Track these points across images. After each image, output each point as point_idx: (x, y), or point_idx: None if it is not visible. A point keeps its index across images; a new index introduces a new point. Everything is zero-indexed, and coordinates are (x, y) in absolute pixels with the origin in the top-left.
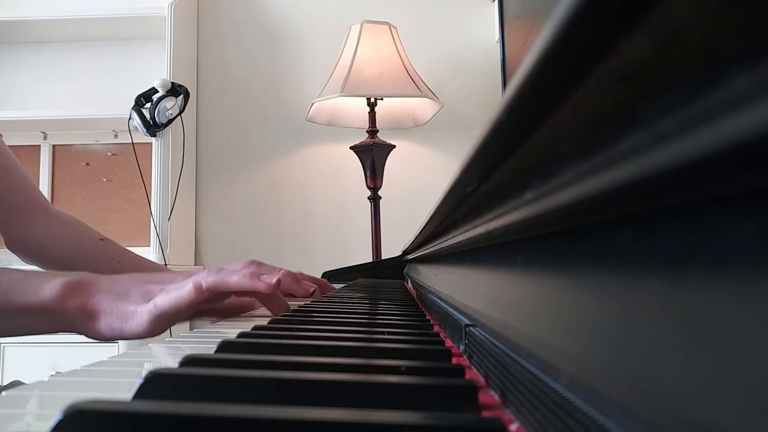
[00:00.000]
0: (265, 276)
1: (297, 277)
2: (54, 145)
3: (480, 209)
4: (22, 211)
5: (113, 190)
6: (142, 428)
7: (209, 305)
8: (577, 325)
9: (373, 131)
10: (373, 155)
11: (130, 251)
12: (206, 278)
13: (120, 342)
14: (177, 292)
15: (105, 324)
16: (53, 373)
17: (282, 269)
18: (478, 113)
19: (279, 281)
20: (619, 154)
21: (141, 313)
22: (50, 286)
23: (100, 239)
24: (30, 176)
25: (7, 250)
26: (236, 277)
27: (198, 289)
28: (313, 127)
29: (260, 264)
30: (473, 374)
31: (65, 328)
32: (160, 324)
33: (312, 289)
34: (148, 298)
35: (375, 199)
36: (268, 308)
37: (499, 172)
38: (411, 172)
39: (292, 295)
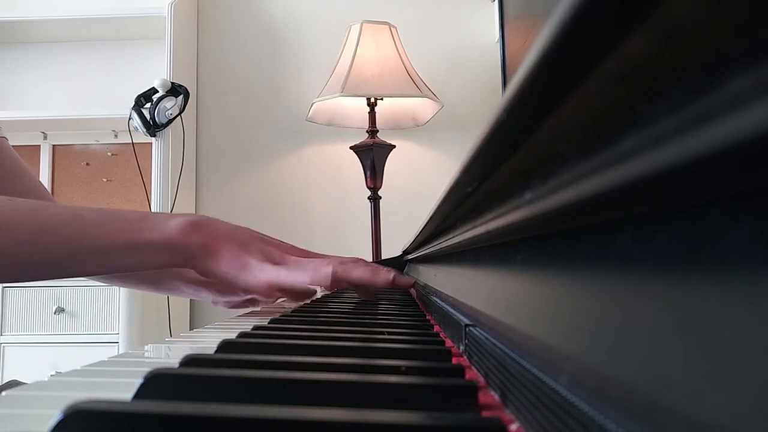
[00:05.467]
0: (383, 272)
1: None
2: (54, 145)
3: (480, 209)
4: None
5: (113, 190)
6: (142, 428)
7: (235, 296)
8: (577, 325)
9: (373, 131)
10: (373, 155)
11: None
12: (330, 266)
13: (119, 342)
14: (302, 277)
15: (224, 265)
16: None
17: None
18: (478, 113)
19: (395, 277)
20: (619, 154)
21: (261, 272)
22: (175, 222)
23: None
24: (38, 179)
25: None
26: (358, 272)
27: (324, 276)
28: (313, 127)
29: (367, 263)
30: (473, 374)
31: (183, 264)
32: (273, 292)
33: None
34: (269, 258)
35: (375, 199)
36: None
37: (499, 172)
38: (411, 172)
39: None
